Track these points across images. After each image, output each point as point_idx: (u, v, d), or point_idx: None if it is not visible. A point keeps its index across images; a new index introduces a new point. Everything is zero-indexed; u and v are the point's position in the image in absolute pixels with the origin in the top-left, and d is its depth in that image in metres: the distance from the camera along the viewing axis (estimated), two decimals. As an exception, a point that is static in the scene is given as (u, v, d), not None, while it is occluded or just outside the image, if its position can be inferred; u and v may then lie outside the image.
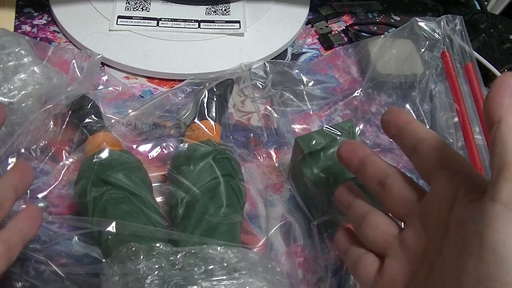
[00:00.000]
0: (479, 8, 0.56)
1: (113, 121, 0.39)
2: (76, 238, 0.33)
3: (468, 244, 0.21)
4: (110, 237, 0.31)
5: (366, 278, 0.27)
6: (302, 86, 0.46)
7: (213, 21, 0.51)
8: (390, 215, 0.28)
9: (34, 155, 0.38)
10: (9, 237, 0.27)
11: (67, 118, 0.39)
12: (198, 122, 0.39)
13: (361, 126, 0.45)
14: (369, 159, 0.29)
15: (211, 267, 0.30)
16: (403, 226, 0.27)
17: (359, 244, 0.29)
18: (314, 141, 0.36)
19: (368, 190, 0.29)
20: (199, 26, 0.50)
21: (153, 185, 0.37)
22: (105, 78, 0.44)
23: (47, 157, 0.38)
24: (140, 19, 0.50)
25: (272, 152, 0.42)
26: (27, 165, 0.31)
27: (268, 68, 0.46)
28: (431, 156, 0.26)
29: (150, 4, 0.51)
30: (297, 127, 0.44)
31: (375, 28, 0.56)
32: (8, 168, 0.36)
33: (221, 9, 0.52)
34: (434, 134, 0.27)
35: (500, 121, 0.21)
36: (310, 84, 0.47)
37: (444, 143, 0.26)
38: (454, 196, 0.24)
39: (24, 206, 0.34)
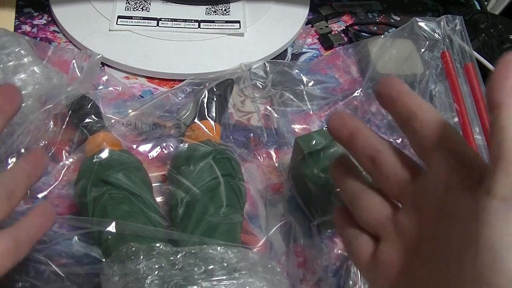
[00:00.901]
0: (479, 8, 0.56)
1: (113, 121, 0.39)
2: (76, 238, 0.33)
3: (465, 239, 0.20)
4: (110, 237, 0.31)
5: (361, 260, 0.26)
6: (302, 86, 0.46)
7: (213, 21, 0.51)
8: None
9: (34, 155, 0.38)
10: (19, 233, 0.26)
11: (67, 118, 0.39)
12: (198, 122, 0.39)
13: (361, 126, 0.45)
14: (360, 132, 0.26)
15: (211, 267, 0.30)
16: (399, 206, 0.26)
17: (355, 224, 0.27)
18: (314, 141, 0.36)
19: (361, 166, 0.27)
20: (199, 26, 0.50)
21: (153, 185, 0.37)
22: (105, 78, 0.44)
23: (47, 157, 0.38)
24: (140, 19, 0.50)
25: (272, 152, 0.42)
26: (42, 151, 0.30)
27: (268, 68, 0.46)
28: (427, 133, 0.23)
29: (150, 4, 0.51)
30: (297, 127, 0.44)
31: (375, 28, 0.56)
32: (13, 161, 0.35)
33: (221, 9, 0.52)
34: (431, 108, 0.24)
35: (500, 105, 0.19)
36: (310, 84, 0.47)
37: (442, 118, 0.24)
38: (450, 181, 0.22)
39: (27, 206, 0.35)
